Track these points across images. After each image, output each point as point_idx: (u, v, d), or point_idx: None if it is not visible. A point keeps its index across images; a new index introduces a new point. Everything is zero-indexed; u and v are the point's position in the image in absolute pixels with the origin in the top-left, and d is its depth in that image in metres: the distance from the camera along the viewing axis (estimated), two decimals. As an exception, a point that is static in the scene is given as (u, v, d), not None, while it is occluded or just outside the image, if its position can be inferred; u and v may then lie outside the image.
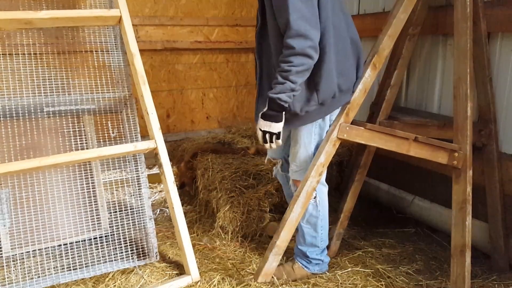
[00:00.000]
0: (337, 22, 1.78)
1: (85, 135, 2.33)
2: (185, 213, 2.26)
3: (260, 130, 1.79)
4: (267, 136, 1.78)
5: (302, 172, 1.98)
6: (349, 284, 2.06)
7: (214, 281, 2.00)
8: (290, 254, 2.21)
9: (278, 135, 1.78)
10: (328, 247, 2.20)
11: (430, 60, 2.48)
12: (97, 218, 2.31)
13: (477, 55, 2.07)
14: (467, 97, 1.90)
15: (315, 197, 1.99)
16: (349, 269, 2.18)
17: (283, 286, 2.00)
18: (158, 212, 2.92)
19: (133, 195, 2.29)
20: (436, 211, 2.48)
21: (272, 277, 2.01)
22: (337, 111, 1.93)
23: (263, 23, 1.83)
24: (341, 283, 2.06)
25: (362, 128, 1.88)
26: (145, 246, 2.21)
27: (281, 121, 1.76)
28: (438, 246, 2.44)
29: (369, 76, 1.90)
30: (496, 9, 2.03)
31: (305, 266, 2.10)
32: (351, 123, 1.89)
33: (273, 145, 1.81)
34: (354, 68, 1.90)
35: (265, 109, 1.77)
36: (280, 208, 2.58)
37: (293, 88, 1.68)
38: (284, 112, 1.76)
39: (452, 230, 1.91)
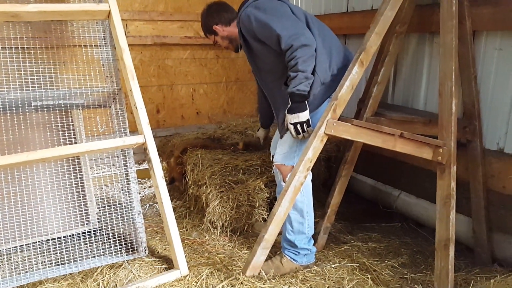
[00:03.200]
0: (309, 18, 2.04)
1: (73, 130, 2.33)
2: (174, 208, 2.27)
3: (291, 124, 1.94)
4: (299, 127, 1.94)
5: (285, 156, 2.10)
6: (336, 277, 2.09)
7: (202, 275, 2.02)
8: (277, 249, 2.24)
9: (308, 123, 1.94)
10: (315, 240, 2.24)
11: (416, 58, 2.52)
12: (85, 213, 2.31)
13: (463, 53, 2.11)
14: (452, 94, 1.93)
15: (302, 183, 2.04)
16: (336, 263, 2.22)
17: (271, 280, 2.02)
18: (147, 207, 2.92)
19: (122, 190, 2.29)
20: (422, 206, 2.52)
21: (260, 271, 2.03)
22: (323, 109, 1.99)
23: (256, 66, 2.13)
24: (328, 277, 2.09)
25: (349, 124, 1.90)
26: (134, 241, 2.22)
27: (306, 109, 1.93)
28: (423, 240, 2.49)
29: (356, 73, 1.93)
30: (481, 8, 2.06)
31: (293, 259, 2.13)
32: (338, 119, 1.92)
33: (306, 134, 1.96)
34: (340, 49, 2.11)
35: (288, 106, 1.94)
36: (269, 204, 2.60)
37: (306, 76, 1.88)
38: (306, 101, 1.93)
39: (437, 225, 1.95)
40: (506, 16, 1.97)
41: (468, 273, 2.11)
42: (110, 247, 2.13)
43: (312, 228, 2.16)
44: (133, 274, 2.05)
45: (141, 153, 2.92)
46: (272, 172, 2.36)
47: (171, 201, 2.13)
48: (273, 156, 2.34)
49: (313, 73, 1.93)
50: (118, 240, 2.16)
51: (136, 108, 2.09)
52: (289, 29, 1.87)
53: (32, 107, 2.09)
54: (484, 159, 2.17)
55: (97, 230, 2.33)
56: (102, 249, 2.13)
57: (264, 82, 2.18)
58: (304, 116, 1.92)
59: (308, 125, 1.94)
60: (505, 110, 2.09)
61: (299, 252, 2.13)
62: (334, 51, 2.05)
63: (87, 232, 2.31)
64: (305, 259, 2.16)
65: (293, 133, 1.96)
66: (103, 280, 1.99)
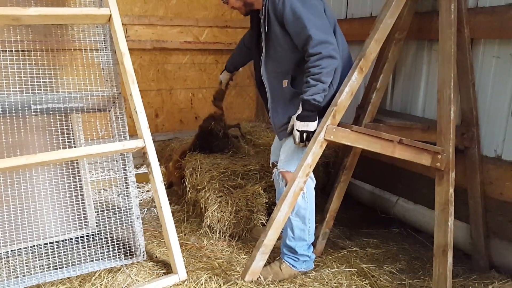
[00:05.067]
0: (336, 25, 2.02)
1: (73, 134, 2.33)
2: (172, 213, 2.27)
3: (298, 131, 1.93)
4: (304, 135, 1.93)
5: (289, 162, 2.09)
6: (335, 283, 2.09)
7: (201, 280, 2.01)
8: (276, 254, 2.24)
9: (314, 133, 1.93)
10: (314, 246, 2.24)
11: (415, 65, 2.54)
12: (84, 217, 2.30)
13: (461, 60, 2.13)
14: (450, 101, 1.95)
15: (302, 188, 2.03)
16: (335, 268, 2.22)
17: (270, 285, 2.02)
18: (145, 211, 2.92)
19: (121, 194, 2.29)
20: (420, 212, 2.53)
21: (259, 276, 2.03)
22: None
23: (268, 51, 2.03)
24: (326, 282, 2.09)
25: (348, 130, 1.91)
26: (132, 245, 2.22)
27: (316, 120, 1.92)
28: (421, 246, 2.50)
29: (356, 79, 1.94)
30: (479, 16, 2.09)
31: (293, 265, 2.13)
32: (338, 125, 1.93)
33: (308, 143, 1.94)
34: (350, 60, 2.09)
35: (299, 112, 1.92)
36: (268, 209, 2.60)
37: (325, 88, 1.87)
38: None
39: (435, 231, 1.96)
40: (503, 24, 1.99)
41: (466, 279, 2.12)
42: (109, 251, 2.13)
43: (312, 235, 2.17)
44: (131, 278, 2.05)
45: (139, 157, 2.91)
46: (272, 179, 2.36)
47: (169, 205, 2.12)
48: (272, 164, 2.34)
49: (329, 85, 1.92)
50: (117, 244, 2.15)
51: (136, 112, 2.09)
52: (321, 35, 1.82)
53: (32, 111, 2.09)
54: (482, 166, 2.18)
55: (95, 234, 2.32)
56: (100, 253, 2.13)
57: (266, 70, 2.08)
58: (313, 126, 1.91)
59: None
60: (503, 117, 2.10)
61: (298, 259, 2.13)
62: (347, 63, 2.05)
63: (85, 236, 2.30)
64: (304, 266, 2.16)
65: (297, 140, 1.94)
66: (101, 284, 1.98)
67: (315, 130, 1.92)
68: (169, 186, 3.02)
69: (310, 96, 1.86)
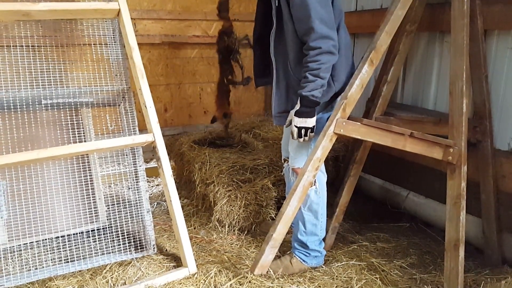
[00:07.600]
0: (342, 19, 1.96)
1: (83, 128, 2.34)
2: (182, 207, 2.27)
3: (296, 126, 1.90)
4: (303, 131, 1.90)
5: (298, 159, 2.07)
6: (345, 277, 2.08)
7: (211, 273, 2.02)
8: (286, 248, 2.23)
9: (312, 129, 1.90)
10: (323, 240, 2.23)
11: (426, 57, 2.50)
12: (94, 210, 2.32)
13: (474, 52, 2.09)
14: (462, 94, 1.92)
15: (314, 183, 2.03)
16: (344, 262, 2.21)
17: (279, 279, 2.02)
18: (155, 205, 2.93)
19: (131, 188, 2.30)
20: (430, 206, 2.51)
21: (268, 270, 2.03)
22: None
23: (278, 26, 1.95)
24: (336, 276, 2.09)
25: (359, 123, 1.89)
26: (143, 238, 2.23)
27: (314, 116, 1.89)
28: (432, 241, 2.47)
29: (366, 72, 1.92)
30: (492, 7, 2.05)
31: (303, 260, 2.13)
32: (348, 119, 1.91)
33: (306, 139, 1.92)
34: (351, 56, 2.07)
35: (297, 107, 1.89)
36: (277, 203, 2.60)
37: (323, 84, 1.84)
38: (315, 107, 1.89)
39: (447, 225, 1.94)
40: (518, 15, 1.95)
41: (478, 274, 2.09)
42: (119, 244, 2.14)
43: (324, 230, 2.16)
44: (142, 271, 2.06)
45: (149, 151, 2.92)
46: (282, 173, 2.35)
47: (179, 199, 2.13)
48: (284, 160, 2.33)
49: (330, 82, 1.89)
50: (127, 237, 2.17)
51: (145, 106, 2.10)
52: (324, 28, 1.77)
53: (42, 105, 2.10)
54: (494, 160, 2.15)
55: (106, 228, 2.34)
56: (111, 246, 2.15)
57: (275, 46, 2.00)
58: (311, 122, 1.88)
59: (312, 131, 1.90)
60: (517, 110, 2.07)
61: (309, 254, 2.13)
62: (350, 60, 2.02)
63: (96, 229, 2.32)
64: (315, 261, 2.15)
65: (295, 135, 1.91)
66: (112, 278, 2.00)
67: (313, 126, 1.89)
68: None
69: (309, 92, 1.82)
